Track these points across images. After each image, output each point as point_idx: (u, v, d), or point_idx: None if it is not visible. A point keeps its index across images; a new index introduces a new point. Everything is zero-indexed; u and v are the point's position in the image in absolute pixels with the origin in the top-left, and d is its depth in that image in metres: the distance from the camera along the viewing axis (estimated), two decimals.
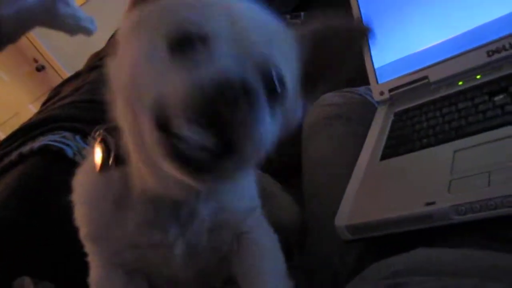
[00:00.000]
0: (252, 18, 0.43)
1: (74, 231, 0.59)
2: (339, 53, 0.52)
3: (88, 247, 0.60)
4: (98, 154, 0.54)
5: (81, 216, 0.58)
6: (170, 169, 0.38)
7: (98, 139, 0.54)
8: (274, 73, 0.41)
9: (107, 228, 0.56)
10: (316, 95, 0.54)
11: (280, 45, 0.44)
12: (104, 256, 0.59)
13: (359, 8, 0.95)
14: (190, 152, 0.36)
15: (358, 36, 0.53)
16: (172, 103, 0.36)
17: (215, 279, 0.68)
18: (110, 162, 0.53)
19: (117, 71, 0.45)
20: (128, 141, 0.48)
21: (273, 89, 0.41)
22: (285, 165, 0.88)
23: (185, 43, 0.39)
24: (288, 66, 0.44)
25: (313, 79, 0.51)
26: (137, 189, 0.52)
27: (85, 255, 0.60)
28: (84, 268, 0.60)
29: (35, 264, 0.76)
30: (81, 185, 0.58)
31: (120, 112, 0.47)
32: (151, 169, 0.46)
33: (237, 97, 0.34)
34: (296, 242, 0.83)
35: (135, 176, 0.51)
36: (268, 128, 0.39)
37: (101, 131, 0.54)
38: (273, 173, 0.86)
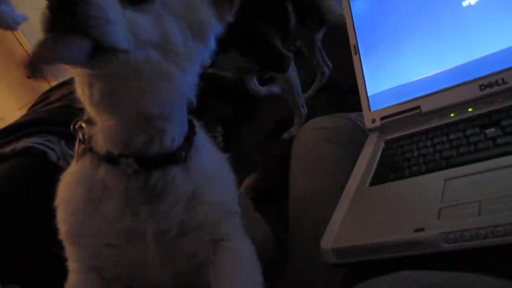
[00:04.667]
0: None
1: (53, 235, 0.59)
2: None
3: (67, 250, 0.61)
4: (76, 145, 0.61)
5: (60, 215, 0.60)
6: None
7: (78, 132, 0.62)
8: None
9: (83, 222, 0.59)
10: (225, 2, 0.62)
11: None
12: (82, 259, 0.59)
13: (355, 36, 0.97)
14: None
15: None
16: None
17: (194, 287, 0.67)
18: (83, 147, 0.61)
19: None
20: (85, 103, 0.57)
21: None
22: (274, 190, 0.88)
23: None
24: None
25: None
26: (101, 151, 0.59)
27: (61, 260, 0.59)
28: (59, 273, 0.59)
29: (5, 266, 0.73)
30: (61, 186, 0.63)
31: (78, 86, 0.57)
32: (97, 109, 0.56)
33: None
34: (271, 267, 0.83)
35: (99, 138, 0.59)
36: (119, 13, 0.49)
37: (79, 122, 0.61)
38: (261, 197, 0.85)
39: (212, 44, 0.61)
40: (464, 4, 0.82)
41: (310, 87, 2.20)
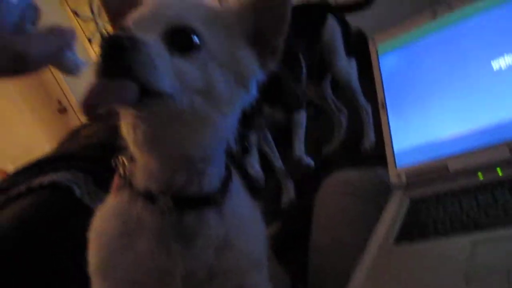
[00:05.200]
0: (169, 2, 0.60)
1: (75, 268, 0.60)
2: (274, 11, 0.63)
3: (94, 283, 0.62)
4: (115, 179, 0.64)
5: (92, 247, 0.62)
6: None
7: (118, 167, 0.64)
8: (180, 28, 0.56)
9: (115, 256, 0.60)
10: (269, 49, 0.65)
11: (198, 14, 0.59)
12: None
13: (383, 91, 0.98)
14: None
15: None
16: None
17: None
18: (122, 182, 0.63)
19: None
20: (129, 143, 0.59)
21: (187, 39, 0.56)
22: (294, 238, 0.87)
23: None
24: (206, 27, 0.58)
25: (262, 36, 0.63)
26: (140, 188, 0.61)
27: None
28: None
29: None
30: (96, 219, 0.65)
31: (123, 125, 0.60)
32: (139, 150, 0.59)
33: (111, 45, 0.48)
34: None
35: (138, 174, 0.62)
36: (166, 60, 0.52)
37: (121, 158, 0.64)
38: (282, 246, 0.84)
39: (254, 90, 0.63)
40: (495, 67, 0.82)
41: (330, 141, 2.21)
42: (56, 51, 0.38)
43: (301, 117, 1.81)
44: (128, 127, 0.58)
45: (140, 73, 0.49)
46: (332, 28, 1.94)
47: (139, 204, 0.61)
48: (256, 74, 0.63)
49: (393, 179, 0.91)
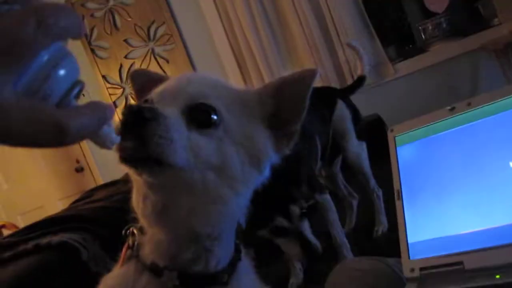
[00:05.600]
0: (192, 79, 0.63)
1: None
2: (295, 97, 0.65)
3: None
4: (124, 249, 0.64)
5: None
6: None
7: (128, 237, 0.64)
8: (200, 105, 0.58)
9: None
10: (286, 134, 0.67)
11: (218, 93, 0.61)
12: None
13: (400, 181, 0.97)
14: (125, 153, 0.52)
15: (307, 80, 0.65)
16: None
17: None
18: (130, 253, 0.63)
19: None
20: (138, 214, 0.60)
21: (206, 115, 0.58)
22: None
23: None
24: (225, 105, 0.60)
25: (280, 120, 0.66)
26: (147, 261, 0.61)
27: None
28: None
29: None
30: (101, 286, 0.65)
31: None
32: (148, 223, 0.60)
33: (134, 113, 0.51)
34: None
35: (147, 247, 0.62)
36: (183, 134, 0.54)
37: (132, 228, 0.65)
38: None
39: (267, 172, 0.64)
40: None
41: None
42: (96, 126, 0.39)
43: (328, 201, 1.76)
44: (138, 197, 0.59)
45: (157, 145, 0.50)
46: (341, 112, 2.00)
47: (145, 278, 0.61)
48: (271, 157, 0.65)
49: (406, 271, 0.89)
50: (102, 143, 0.43)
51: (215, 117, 0.58)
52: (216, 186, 0.56)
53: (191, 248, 0.59)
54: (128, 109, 0.50)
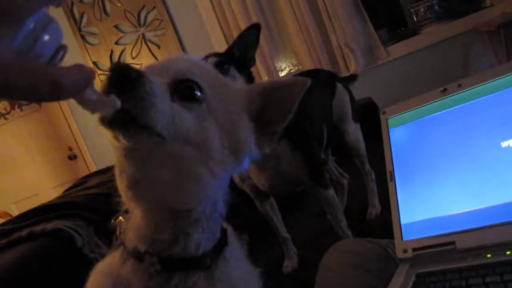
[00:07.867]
0: (181, 58, 0.64)
1: None
2: (283, 101, 0.67)
3: None
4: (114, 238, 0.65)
5: None
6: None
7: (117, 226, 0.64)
8: (185, 80, 0.58)
9: None
10: (269, 133, 0.67)
11: (205, 75, 0.62)
12: None
13: (392, 163, 0.98)
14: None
15: (298, 88, 0.66)
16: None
17: None
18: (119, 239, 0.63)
19: None
20: (120, 191, 0.60)
21: (190, 90, 0.58)
22: None
23: None
24: (211, 88, 0.61)
25: (264, 119, 0.66)
26: (130, 247, 0.61)
27: None
28: None
29: None
30: (91, 277, 0.65)
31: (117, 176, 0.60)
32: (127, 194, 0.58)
33: (120, 70, 0.51)
34: None
35: (130, 232, 0.62)
36: (165, 102, 0.54)
37: (120, 217, 0.65)
38: None
39: (245, 164, 0.64)
40: (503, 145, 0.83)
41: None
42: (84, 84, 0.42)
43: (332, 197, 1.65)
44: (117, 172, 0.59)
45: (138, 105, 0.50)
46: (341, 94, 1.99)
47: (128, 264, 0.61)
48: (251, 150, 0.65)
49: (399, 252, 0.90)
50: (89, 105, 0.45)
51: (198, 93, 0.58)
52: (193, 162, 0.56)
53: (168, 229, 0.59)
54: (115, 65, 0.51)
